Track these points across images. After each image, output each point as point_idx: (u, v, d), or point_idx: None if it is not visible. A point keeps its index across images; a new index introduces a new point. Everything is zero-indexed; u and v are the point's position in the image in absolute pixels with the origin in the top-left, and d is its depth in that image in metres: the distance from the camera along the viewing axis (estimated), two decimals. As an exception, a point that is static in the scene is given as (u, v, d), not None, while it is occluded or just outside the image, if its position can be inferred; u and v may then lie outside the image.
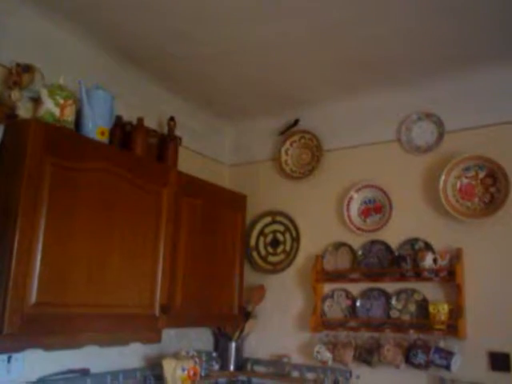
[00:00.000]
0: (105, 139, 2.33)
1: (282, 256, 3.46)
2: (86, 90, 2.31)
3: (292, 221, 3.46)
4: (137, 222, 2.40)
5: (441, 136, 3.02)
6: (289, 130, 3.54)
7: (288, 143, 3.53)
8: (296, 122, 3.51)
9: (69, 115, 2.17)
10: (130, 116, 2.74)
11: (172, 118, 2.95)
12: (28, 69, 2.23)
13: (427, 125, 3.08)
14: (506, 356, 2.65)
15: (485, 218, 2.80)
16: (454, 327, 2.72)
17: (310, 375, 3.14)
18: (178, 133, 2.97)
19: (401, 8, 2.34)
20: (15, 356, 2.16)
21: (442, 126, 3.02)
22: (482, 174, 2.86)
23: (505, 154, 2.79)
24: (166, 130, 2.97)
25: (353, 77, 3.03)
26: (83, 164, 2.14)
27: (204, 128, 3.60)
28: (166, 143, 2.87)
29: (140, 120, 2.69)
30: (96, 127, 2.29)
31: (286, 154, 3.53)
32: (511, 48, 2.68)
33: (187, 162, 3.13)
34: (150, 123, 2.90)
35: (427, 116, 3.08)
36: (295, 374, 3.19)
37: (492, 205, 2.80)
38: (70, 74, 2.34)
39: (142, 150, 2.64)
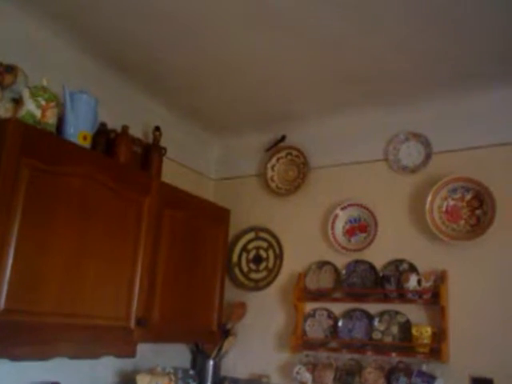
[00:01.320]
0: (87, 144, 2.27)
1: (265, 273, 3.40)
2: (70, 93, 2.25)
3: (276, 237, 3.40)
4: (116, 230, 2.33)
5: (428, 156, 3.00)
6: (275, 146, 3.50)
7: (274, 159, 3.49)
8: (283, 138, 3.48)
9: (50, 118, 2.10)
10: (114, 124, 2.68)
11: (157, 128, 2.91)
12: (11, 69, 2.17)
13: (415, 145, 3.06)
14: (489, 381, 2.60)
15: (470, 240, 2.77)
16: (436, 350, 2.68)
17: (288, 396, 3.05)
18: (163, 143, 2.92)
19: (392, 25, 2.33)
20: (-19, 366, 2.07)
21: (429, 147, 3.01)
22: (468, 196, 2.84)
23: (492, 176, 2.77)
24: (150, 140, 2.92)
25: (342, 94, 3.01)
26: (63, 168, 2.07)
27: (189, 140, 3.56)
28: (150, 153, 2.82)
29: (125, 128, 2.64)
30: (78, 131, 2.22)
31: (272, 169, 3.49)
32: (501, 70, 2.68)
33: (171, 174, 3.07)
34: (135, 132, 2.84)
35: (415, 136, 3.07)
36: (273, 394, 3.10)
37: (478, 227, 2.77)
38: (54, 78, 2.27)
39: (126, 158, 2.57)
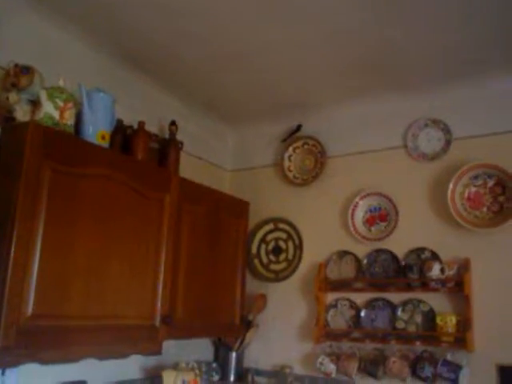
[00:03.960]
0: (105, 143, 2.25)
1: (285, 264, 3.38)
2: (87, 92, 2.22)
3: (295, 228, 3.38)
4: (137, 229, 2.31)
5: (448, 143, 2.95)
6: (291, 136, 3.46)
7: (291, 149, 3.46)
8: (299, 127, 3.44)
9: (68, 119, 2.08)
10: (130, 120, 2.66)
11: (173, 123, 2.88)
12: (27, 70, 2.15)
13: (434, 131, 3.02)
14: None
15: (493, 227, 2.73)
16: (461, 339, 2.66)
17: (310, 387, 3.06)
18: (178, 137, 2.89)
19: (412, 12, 2.27)
20: (10, 369, 2.07)
21: (449, 133, 2.96)
22: (490, 183, 2.80)
23: (512, 162, 2.73)
24: (167, 135, 2.90)
25: (358, 81, 2.96)
26: (84, 169, 2.06)
27: (205, 132, 3.53)
28: (167, 148, 2.79)
29: (141, 124, 2.61)
30: (96, 131, 2.20)
31: (289, 160, 3.46)
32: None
33: (187, 167, 3.05)
34: (151, 127, 2.82)
35: (434, 122, 3.02)
36: (297, 385, 3.11)
37: (501, 214, 2.74)
38: (69, 76, 2.24)
39: (143, 154, 2.55)
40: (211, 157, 3.56)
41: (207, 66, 2.84)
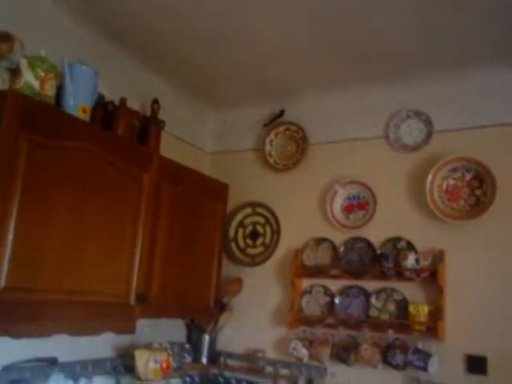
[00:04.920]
0: (86, 117, 2.20)
1: (261, 249, 3.39)
2: (69, 64, 2.17)
3: (273, 213, 3.38)
4: (116, 206, 2.28)
5: (429, 135, 2.97)
6: (274, 121, 3.45)
7: (273, 134, 3.45)
8: (281, 112, 3.43)
9: (49, 89, 2.03)
10: (112, 96, 2.60)
11: (156, 101, 2.83)
12: (6, 37, 2.08)
13: (416, 123, 3.03)
14: (482, 359, 2.64)
15: (469, 220, 2.77)
16: (433, 329, 2.70)
17: (284, 371, 3.07)
18: (160, 117, 2.85)
19: (395, 4, 2.28)
20: (-21, 342, 2.03)
21: (430, 125, 2.98)
22: (468, 176, 2.83)
23: (493, 156, 2.76)
24: (148, 113, 2.85)
25: (343, 70, 2.95)
26: (63, 142, 2.01)
27: (187, 113, 3.49)
28: (148, 126, 2.74)
29: (123, 100, 2.57)
30: (77, 104, 2.15)
31: (270, 145, 3.45)
32: (504, 50, 2.64)
33: (167, 147, 2.98)
34: (133, 105, 2.77)
35: (416, 114, 3.03)
36: (269, 369, 3.12)
37: (477, 207, 2.77)
38: (51, 48, 2.18)
39: (124, 131, 2.51)
40: (192, 138, 3.53)
41: (191, 46, 2.80)
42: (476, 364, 2.65)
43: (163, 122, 2.84)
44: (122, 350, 2.79)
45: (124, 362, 2.74)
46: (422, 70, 2.89)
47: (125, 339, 2.79)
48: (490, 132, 2.83)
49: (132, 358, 2.63)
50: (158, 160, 2.58)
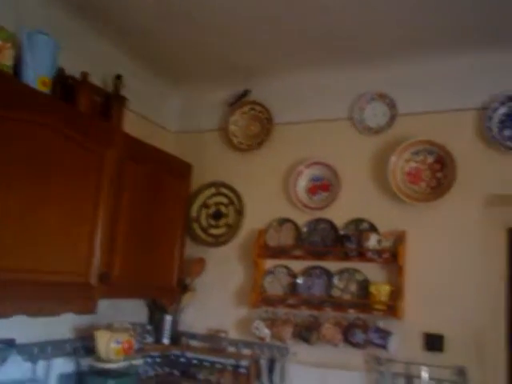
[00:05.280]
0: (46, 90, 2.12)
1: (225, 229, 3.37)
2: (28, 33, 2.08)
3: (237, 193, 3.36)
4: (76, 182, 2.22)
5: (393, 118, 3.00)
6: (238, 101, 3.41)
7: (237, 114, 3.42)
8: (246, 92, 3.39)
9: (7, 59, 1.95)
10: (73, 70, 2.52)
11: (119, 77, 2.76)
12: (-39, 4, 1.99)
13: (380, 106, 3.05)
14: (440, 337, 2.71)
15: (430, 202, 2.82)
16: (393, 308, 2.75)
17: (246, 351, 3.09)
18: (123, 93, 2.77)
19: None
20: None
21: (394, 108, 3.00)
22: (430, 159, 2.88)
23: (454, 140, 2.81)
24: (111, 89, 2.77)
25: (308, 50, 2.94)
26: (21, 114, 1.93)
27: (151, 91, 3.42)
28: (110, 102, 2.68)
29: (84, 74, 2.49)
30: (37, 76, 2.07)
31: (235, 124, 3.42)
32: (466, 36, 2.68)
33: (130, 125, 2.92)
34: (95, 80, 2.68)
35: (380, 97, 3.05)
36: (231, 349, 3.13)
37: (438, 190, 2.83)
38: (11, 22, 2.09)
39: (86, 106, 2.44)
40: (155, 116, 3.45)
41: (156, 22, 2.73)
42: (433, 342, 2.73)
43: (126, 99, 2.77)
44: (82, 331, 2.74)
45: (84, 344, 2.69)
46: (386, 53, 2.91)
47: (85, 320, 2.73)
48: (452, 116, 2.88)
49: (93, 339, 2.58)
50: (121, 137, 2.52)
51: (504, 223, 2.93)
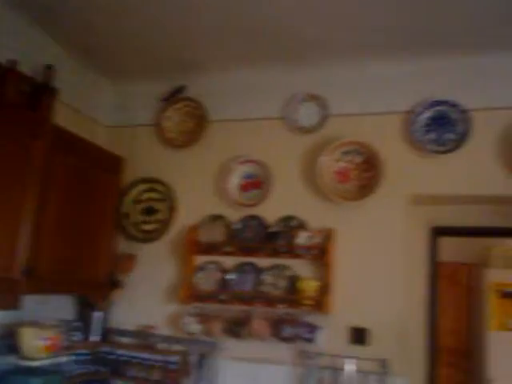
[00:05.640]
0: (-30, 77, 2.04)
1: (156, 225, 3.34)
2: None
3: (169, 189, 3.34)
4: (1, 173, 2.14)
5: (324, 118, 3.09)
6: (173, 96, 3.40)
7: (171, 109, 3.40)
8: (181, 88, 3.39)
9: None
10: (0, 58, 2.43)
11: (50, 67, 2.68)
12: None
13: (312, 106, 3.13)
14: (364, 330, 2.83)
15: (357, 201, 2.93)
16: (321, 303, 2.83)
17: (177, 347, 3.08)
18: (55, 85, 2.70)
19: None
20: None
21: (326, 109, 3.09)
22: (359, 159, 2.98)
23: (382, 142, 2.94)
24: (41, 80, 2.69)
25: (245, 49, 2.98)
26: None
27: (83, 83, 3.34)
28: (40, 93, 2.60)
29: (12, 63, 2.41)
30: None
31: (169, 120, 3.40)
32: (395, 42, 2.80)
33: (61, 117, 2.86)
34: (24, 69, 2.60)
35: (313, 97, 3.13)
36: (162, 345, 3.11)
37: (365, 190, 2.94)
38: None
39: (12, 96, 2.36)
40: (88, 109, 3.38)
41: (91, 13, 2.69)
42: (359, 335, 2.84)
43: (57, 90, 2.70)
44: (6, 327, 2.64)
45: (8, 342, 2.59)
46: (321, 55, 3.00)
47: (9, 316, 2.63)
48: (380, 119, 3.01)
49: (17, 336, 2.50)
50: (50, 128, 2.45)
51: (426, 222, 3.11)
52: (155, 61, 3.21)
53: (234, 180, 3.19)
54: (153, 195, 3.40)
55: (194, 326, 2.98)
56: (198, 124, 3.34)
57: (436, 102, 2.91)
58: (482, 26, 2.59)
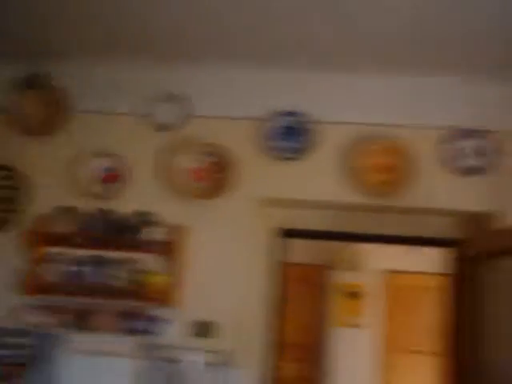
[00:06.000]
0: None
1: (5, 214, 3.20)
2: None
3: (21, 178, 3.21)
4: None
5: (185, 118, 3.17)
6: (33, 83, 3.26)
7: (31, 96, 3.27)
8: (43, 75, 3.25)
9: None
10: None
11: None
12: None
13: (173, 106, 3.19)
14: (208, 323, 2.99)
15: (210, 200, 3.07)
16: (168, 297, 2.93)
17: (20, 340, 2.97)
18: None
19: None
20: None
21: (187, 109, 3.17)
22: (214, 160, 3.11)
23: (237, 145, 3.12)
24: None
25: (111, 42, 2.97)
26: None
27: None
28: None
29: None
30: None
31: (28, 107, 3.28)
32: (259, 51, 2.96)
33: None
34: None
35: (175, 97, 3.20)
36: (4, 339, 2.98)
37: (217, 189, 3.08)
38: None
39: None
40: None
41: None
42: (202, 328, 2.98)
43: None
44: None
45: None
46: (185, 55, 3.06)
47: None
48: (237, 123, 3.16)
49: None
50: None
51: (272, 223, 3.31)
52: (16, 44, 3.06)
53: (90, 172, 3.16)
54: (3, 183, 3.25)
55: (37, 318, 2.92)
56: (57, 113, 3.25)
57: (288, 112, 3.13)
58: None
